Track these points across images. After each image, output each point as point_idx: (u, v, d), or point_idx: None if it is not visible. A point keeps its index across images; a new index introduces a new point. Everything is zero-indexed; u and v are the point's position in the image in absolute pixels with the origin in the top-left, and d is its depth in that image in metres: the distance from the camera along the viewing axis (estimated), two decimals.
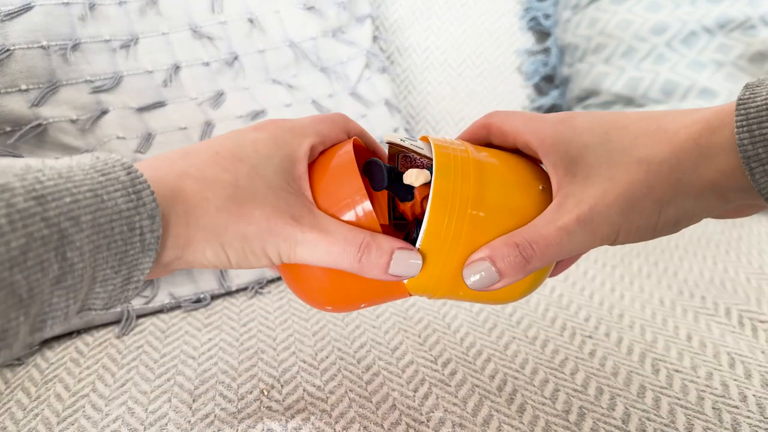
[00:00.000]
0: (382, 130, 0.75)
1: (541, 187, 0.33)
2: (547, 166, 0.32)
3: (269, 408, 0.40)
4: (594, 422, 0.37)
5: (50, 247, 0.22)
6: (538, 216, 0.31)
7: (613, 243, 0.31)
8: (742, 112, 0.28)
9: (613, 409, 0.39)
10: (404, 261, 0.31)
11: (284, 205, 0.30)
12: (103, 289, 0.26)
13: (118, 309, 0.26)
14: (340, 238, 0.30)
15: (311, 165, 0.33)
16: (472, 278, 0.31)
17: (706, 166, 0.29)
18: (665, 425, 0.37)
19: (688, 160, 0.29)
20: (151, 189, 0.26)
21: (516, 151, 0.35)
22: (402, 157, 0.37)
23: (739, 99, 0.29)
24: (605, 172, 0.30)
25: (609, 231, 0.30)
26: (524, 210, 0.32)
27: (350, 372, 0.44)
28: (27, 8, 0.55)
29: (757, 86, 0.29)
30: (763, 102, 0.28)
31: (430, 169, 0.32)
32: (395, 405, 0.40)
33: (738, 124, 0.28)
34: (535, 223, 0.31)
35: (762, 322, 0.49)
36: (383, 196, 0.35)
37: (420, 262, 0.31)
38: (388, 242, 0.30)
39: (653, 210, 0.30)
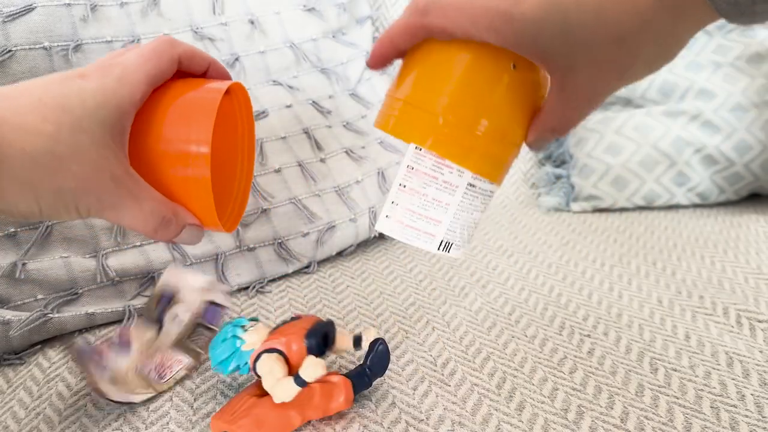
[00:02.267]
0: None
1: (512, 66, 0.33)
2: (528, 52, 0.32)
3: None
4: (592, 421, 0.38)
5: None
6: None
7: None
8: None
9: (612, 408, 0.39)
10: (189, 234, 0.35)
11: (105, 163, 0.30)
12: None
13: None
14: (147, 210, 0.32)
15: (148, 102, 0.34)
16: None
17: (644, 28, 0.29)
18: (663, 424, 0.37)
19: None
20: None
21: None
22: None
23: None
24: (581, 58, 0.31)
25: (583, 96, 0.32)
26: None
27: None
28: (29, 9, 0.55)
29: None
30: None
31: None
32: (395, 403, 0.40)
33: None
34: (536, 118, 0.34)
35: (760, 321, 0.50)
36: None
37: (202, 234, 0.36)
38: (185, 216, 0.34)
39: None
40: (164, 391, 0.42)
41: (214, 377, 0.44)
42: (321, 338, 0.38)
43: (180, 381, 0.43)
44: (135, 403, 0.40)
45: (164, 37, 0.35)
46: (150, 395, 0.41)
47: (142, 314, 0.44)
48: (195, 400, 0.41)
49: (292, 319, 0.41)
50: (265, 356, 0.37)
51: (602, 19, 0.30)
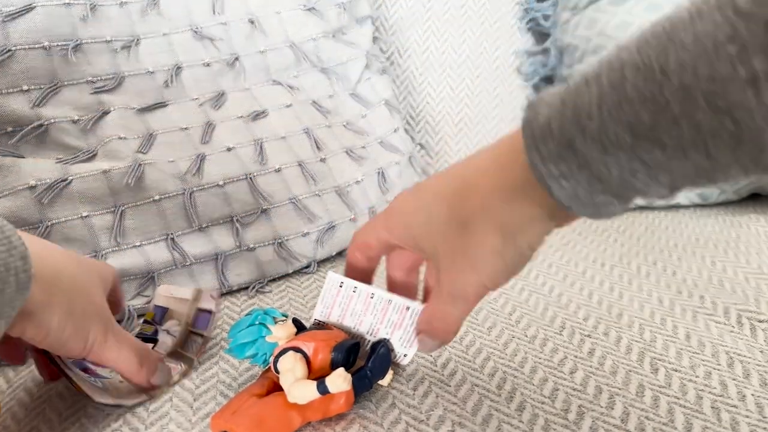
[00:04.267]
0: (382, 131, 0.75)
1: None
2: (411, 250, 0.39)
3: None
4: (593, 421, 0.38)
5: None
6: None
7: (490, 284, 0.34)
8: (528, 133, 0.29)
9: (612, 408, 0.39)
10: (162, 371, 0.42)
11: (108, 318, 0.38)
12: None
13: None
14: (135, 345, 0.40)
15: None
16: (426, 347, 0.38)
17: (491, 206, 0.31)
18: (664, 424, 0.37)
19: (478, 174, 0.32)
20: (18, 235, 0.29)
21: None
22: None
23: (523, 120, 0.29)
24: (438, 248, 0.34)
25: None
26: None
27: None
28: (28, 9, 0.55)
29: (538, 105, 0.29)
30: (545, 121, 0.28)
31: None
32: (395, 404, 0.40)
33: (526, 143, 0.29)
34: (427, 305, 0.38)
35: (761, 321, 0.50)
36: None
37: (167, 373, 0.43)
38: (157, 357, 0.42)
39: (487, 257, 0.32)
40: (158, 396, 0.42)
41: (213, 378, 0.44)
42: (346, 355, 0.38)
43: (173, 385, 0.43)
44: (125, 406, 0.40)
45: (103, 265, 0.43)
46: (142, 400, 0.41)
47: (138, 336, 0.46)
48: (195, 400, 0.41)
49: (319, 326, 0.41)
50: (291, 353, 0.37)
51: (452, 205, 0.33)
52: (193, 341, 0.47)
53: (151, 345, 0.45)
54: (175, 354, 0.46)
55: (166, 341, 0.46)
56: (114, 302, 0.43)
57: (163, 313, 0.48)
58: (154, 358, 0.41)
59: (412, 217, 0.36)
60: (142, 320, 0.47)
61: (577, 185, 0.28)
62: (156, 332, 0.47)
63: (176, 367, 0.44)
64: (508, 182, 0.31)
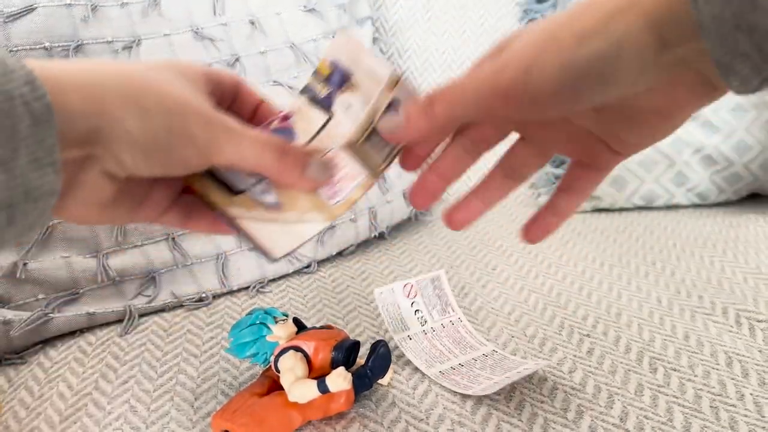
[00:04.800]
0: None
1: None
2: None
3: None
4: (592, 420, 0.38)
5: None
6: None
7: (523, 92, 0.25)
8: None
9: (611, 407, 0.39)
10: (319, 164, 0.30)
11: (207, 103, 0.29)
12: (7, 174, 0.21)
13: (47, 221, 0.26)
14: (262, 138, 0.29)
15: None
16: (381, 124, 0.30)
17: None
18: (663, 423, 0.37)
19: None
20: (20, 61, 0.22)
21: None
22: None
23: None
24: (523, 35, 0.27)
25: (518, 68, 0.25)
26: None
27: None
28: (29, 9, 0.55)
29: None
30: None
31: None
32: (395, 402, 0.40)
33: None
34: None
35: (759, 321, 0.50)
36: None
37: (334, 168, 0.31)
38: (301, 147, 0.31)
39: (571, 42, 0.24)
40: (331, 226, 0.35)
41: (214, 377, 0.44)
42: (347, 354, 0.38)
43: (353, 204, 0.32)
44: (305, 241, 0.33)
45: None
46: (319, 229, 0.32)
47: (305, 91, 0.33)
48: (196, 399, 0.41)
49: (321, 327, 0.41)
50: (291, 353, 0.37)
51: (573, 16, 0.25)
52: (378, 140, 0.32)
53: (321, 116, 0.32)
54: (355, 150, 0.31)
55: (343, 122, 0.32)
56: (237, 103, 0.34)
57: (343, 78, 0.32)
58: (296, 148, 0.30)
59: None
60: (312, 72, 0.33)
61: (727, 3, 0.21)
62: (330, 97, 0.32)
63: (355, 175, 0.32)
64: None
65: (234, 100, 0.34)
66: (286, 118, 0.33)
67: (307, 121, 0.32)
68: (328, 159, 0.31)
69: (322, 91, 0.32)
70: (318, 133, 0.32)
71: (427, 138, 0.31)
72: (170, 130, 0.26)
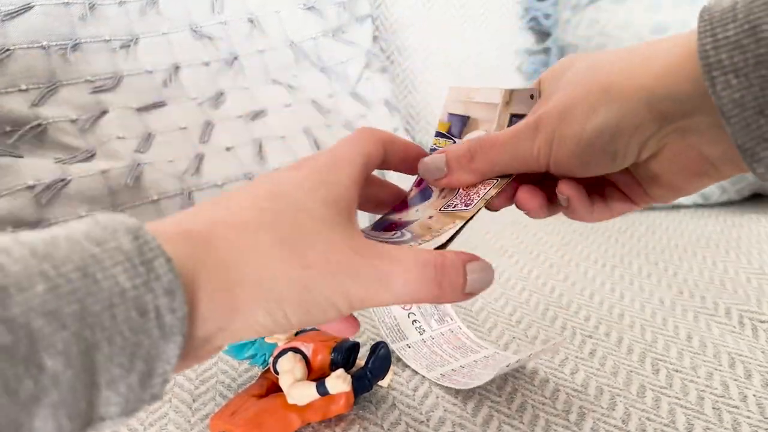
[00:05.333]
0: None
1: None
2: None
3: None
4: (594, 422, 0.37)
5: (17, 360, 0.16)
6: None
7: (548, 159, 0.28)
8: (706, 17, 0.24)
9: (613, 409, 0.39)
10: (480, 272, 0.27)
11: (339, 237, 0.25)
12: (113, 392, 0.19)
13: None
14: (412, 263, 0.25)
15: None
16: (422, 168, 0.31)
17: (639, 69, 0.25)
18: (665, 425, 0.37)
19: (623, 62, 0.26)
20: (167, 256, 0.20)
21: None
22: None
23: (703, 7, 0.24)
24: (562, 86, 0.29)
25: (546, 139, 0.28)
26: None
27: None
28: (27, 8, 0.55)
29: None
30: (729, 4, 0.23)
31: None
32: (395, 405, 0.40)
33: (700, 29, 0.23)
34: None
35: (762, 322, 0.49)
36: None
37: (493, 271, 0.28)
38: (456, 255, 0.26)
39: (581, 117, 0.27)
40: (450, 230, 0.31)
41: (212, 378, 0.44)
42: (346, 356, 0.38)
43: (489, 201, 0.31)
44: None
45: (364, 127, 0.31)
46: (455, 229, 0.32)
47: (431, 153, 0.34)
48: (194, 401, 0.41)
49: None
50: (290, 354, 0.37)
51: (589, 63, 0.28)
52: None
53: None
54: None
55: None
56: (373, 186, 0.32)
57: (462, 124, 0.34)
58: (453, 265, 0.26)
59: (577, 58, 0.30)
60: (434, 135, 0.35)
61: (748, 87, 0.22)
62: (455, 143, 0.34)
63: (490, 182, 0.32)
64: (645, 71, 0.25)
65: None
66: (419, 183, 0.34)
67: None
68: (485, 263, 0.28)
69: (447, 144, 0.34)
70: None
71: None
72: (305, 305, 0.23)
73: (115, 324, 0.18)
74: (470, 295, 0.27)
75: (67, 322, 0.17)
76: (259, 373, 0.41)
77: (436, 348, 0.45)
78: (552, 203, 0.32)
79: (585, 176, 0.29)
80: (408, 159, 0.32)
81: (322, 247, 0.24)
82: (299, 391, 0.36)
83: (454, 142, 0.34)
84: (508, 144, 0.29)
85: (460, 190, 0.32)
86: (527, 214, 0.32)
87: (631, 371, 0.43)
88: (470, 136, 0.33)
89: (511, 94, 0.32)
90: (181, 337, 0.20)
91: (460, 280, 0.26)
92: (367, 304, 0.25)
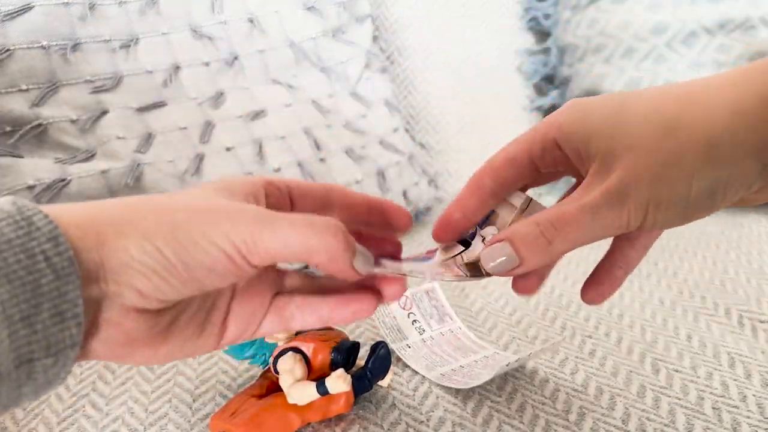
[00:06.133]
0: (382, 130, 0.75)
1: None
2: (569, 155, 0.29)
3: None
4: (594, 422, 0.37)
5: None
6: (565, 199, 0.28)
7: (643, 223, 0.27)
8: None
9: (613, 409, 0.39)
10: (361, 253, 0.27)
11: (229, 201, 0.27)
12: (29, 330, 0.21)
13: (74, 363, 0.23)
14: (300, 216, 0.26)
15: None
16: (491, 264, 0.28)
17: (742, 124, 0.25)
18: (665, 425, 0.37)
19: (720, 118, 0.25)
20: (44, 213, 0.22)
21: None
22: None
23: None
24: (629, 143, 0.27)
25: (638, 205, 0.26)
26: None
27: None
28: (27, 8, 0.55)
29: None
30: None
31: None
32: (395, 404, 0.40)
33: None
34: (559, 204, 0.28)
35: (762, 322, 0.49)
36: None
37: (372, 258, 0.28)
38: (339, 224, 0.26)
39: (683, 181, 0.25)
40: None
41: (212, 378, 0.44)
42: (346, 356, 0.38)
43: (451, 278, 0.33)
44: None
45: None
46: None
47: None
48: (194, 401, 0.41)
49: (321, 328, 0.41)
50: (290, 354, 0.37)
51: (659, 107, 0.27)
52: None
53: (460, 247, 0.34)
54: (472, 267, 0.33)
55: (476, 248, 0.34)
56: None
57: (487, 215, 0.34)
58: (336, 229, 0.26)
59: (595, 107, 0.28)
60: None
61: None
62: (474, 234, 0.34)
63: (459, 272, 0.33)
64: (743, 126, 0.25)
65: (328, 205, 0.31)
66: (431, 251, 0.34)
67: (447, 252, 0.33)
68: (364, 250, 0.28)
69: (469, 232, 0.34)
70: (452, 257, 0.33)
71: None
72: (179, 241, 0.24)
73: (8, 264, 0.21)
74: (357, 273, 0.27)
75: None
76: (259, 373, 0.41)
77: (436, 348, 0.45)
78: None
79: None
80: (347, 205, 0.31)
81: (202, 204, 0.26)
82: (299, 391, 0.36)
83: (475, 231, 0.33)
84: (588, 218, 0.27)
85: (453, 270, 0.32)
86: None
87: (631, 371, 0.43)
88: (485, 231, 0.33)
89: (530, 202, 0.32)
90: (77, 279, 0.22)
91: (349, 245, 0.26)
92: (254, 247, 0.24)
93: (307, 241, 0.25)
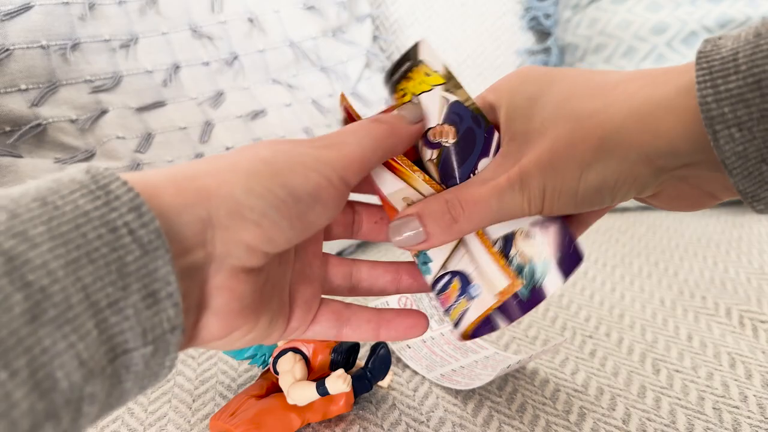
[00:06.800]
0: None
1: None
2: (497, 117, 0.29)
3: None
4: (594, 422, 0.37)
5: None
6: (476, 175, 0.29)
7: (542, 210, 0.27)
8: (704, 65, 0.23)
9: (614, 410, 0.39)
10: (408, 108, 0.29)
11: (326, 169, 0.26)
12: (120, 317, 0.18)
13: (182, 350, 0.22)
14: (358, 126, 0.27)
15: None
16: (397, 237, 0.29)
17: (636, 124, 0.25)
18: (666, 425, 0.37)
19: (617, 115, 0.25)
20: (123, 180, 0.19)
21: None
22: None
23: (699, 53, 0.23)
24: (539, 128, 0.27)
25: (536, 193, 0.27)
26: None
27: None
28: (26, 8, 0.55)
29: (720, 39, 0.24)
30: (730, 53, 0.23)
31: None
32: (395, 405, 0.40)
33: (699, 79, 0.23)
34: (471, 181, 0.29)
35: (762, 322, 0.49)
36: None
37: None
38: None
39: (574, 172, 0.26)
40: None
41: (212, 379, 0.44)
42: (346, 356, 0.38)
43: None
44: None
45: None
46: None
47: None
48: (193, 401, 0.41)
49: None
50: (290, 354, 0.37)
51: (574, 91, 0.27)
52: None
53: None
54: None
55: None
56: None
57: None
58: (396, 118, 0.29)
59: (531, 81, 0.29)
60: None
61: (751, 140, 0.22)
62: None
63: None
64: (641, 127, 0.25)
65: None
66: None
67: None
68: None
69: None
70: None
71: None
72: (282, 175, 0.23)
73: (88, 242, 0.18)
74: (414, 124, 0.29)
75: (38, 241, 0.17)
76: (259, 374, 0.41)
77: (436, 348, 0.45)
78: None
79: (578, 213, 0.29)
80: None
81: (276, 146, 0.25)
82: (299, 392, 0.36)
83: None
84: (494, 200, 0.27)
85: None
86: None
87: (632, 371, 0.43)
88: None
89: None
90: (166, 252, 0.19)
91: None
92: (342, 165, 0.25)
93: (373, 137, 0.27)
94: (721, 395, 0.40)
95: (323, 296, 0.30)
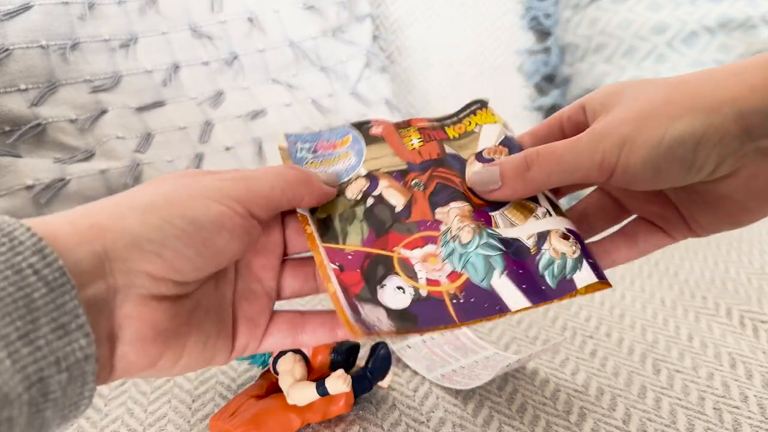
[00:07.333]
0: None
1: None
2: (588, 118, 0.30)
3: None
4: (595, 422, 0.37)
5: None
6: None
7: (614, 167, 0.27)
8: None
9: (614, 410, 0.39)
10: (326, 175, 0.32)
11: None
12: (32, 347, 0.19)
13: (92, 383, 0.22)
14: (272, 172, 0.29)
15: None
16: (474, 178, 0.31)
17: (731, 81, 0.25)
18: (666, 426, 0.37)
19: (714, 76, 0.26)
20: (26, 226, 0.20)
21: None
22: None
23: None
24: (632, 97, 0.28)
25: (614, 143, 0.26)
26: None
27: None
28: (26, 8, 0.55)
29: None
30: None
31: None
32: (395, 405, 0.40)
33: None
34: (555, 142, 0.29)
35: (763, 322, 0.49)
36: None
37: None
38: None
39: (661, 124, 0.26)
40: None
41: (212, 379, 0.43)
42: (346, 356, 0.38)
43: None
44: None
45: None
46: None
47: None
48: (193, 402, 0.41)
49: None
50: (289, 354, 0.37)
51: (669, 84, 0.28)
52: None
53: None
54: None
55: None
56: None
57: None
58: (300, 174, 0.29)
59: (627, 83, 0.30)
60: None
61: None
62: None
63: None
64: (735, 82, 0.25)
65: None
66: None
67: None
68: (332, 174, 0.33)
69: None
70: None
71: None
72: (181, 205, 0.24)
73: None
74: (327, 187, 0.32)
75: None
76: (259, 374, 0.41)
77: (436, 348, 0.45)
78: None
79: (650, 188, 0.28)
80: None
81: (182, 180, 0.26)
82: (299, 392, 0.35)
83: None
84: (568, 151, 0.28)
85: None
86: None
87: (632, 372, 0.43)
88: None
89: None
90: (72, 288, 0.20)
91: (315, 188, 0.31)
92: (248, 196, 0.26)
93: (284, 179, 0.28)
94: (721, 395, 0.40)
95: (277, 308, 0.30)
